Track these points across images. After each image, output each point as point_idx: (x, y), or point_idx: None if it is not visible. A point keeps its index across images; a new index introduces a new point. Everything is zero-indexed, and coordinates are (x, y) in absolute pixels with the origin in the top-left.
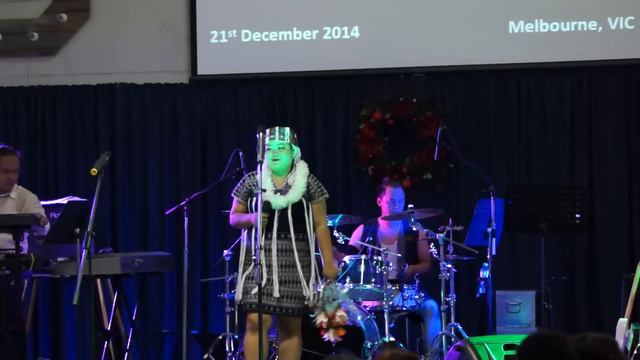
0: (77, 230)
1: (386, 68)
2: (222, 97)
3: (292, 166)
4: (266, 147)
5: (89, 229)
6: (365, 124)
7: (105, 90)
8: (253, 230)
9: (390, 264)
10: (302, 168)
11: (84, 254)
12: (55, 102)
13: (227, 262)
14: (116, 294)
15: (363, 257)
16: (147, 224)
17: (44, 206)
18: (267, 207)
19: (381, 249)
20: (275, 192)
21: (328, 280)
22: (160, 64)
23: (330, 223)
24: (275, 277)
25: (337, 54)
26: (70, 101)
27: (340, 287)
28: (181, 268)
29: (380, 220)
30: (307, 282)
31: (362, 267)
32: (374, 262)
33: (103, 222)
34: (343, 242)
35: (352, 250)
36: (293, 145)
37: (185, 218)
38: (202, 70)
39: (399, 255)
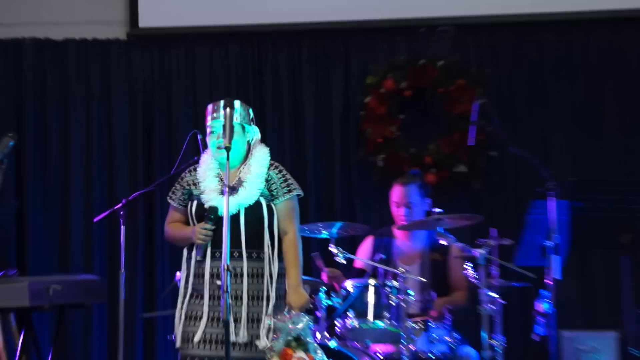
0: None
1: (401, 19)
2: (173, 59)
3: (248, 154)
4: (208, 129)
5: None
6: (373, 96)
7: (8, 47)
8: (194, 249)
9: (411, 293)
10: (259, 156)
11: None
12: None
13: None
14: (22, 334)
15: (372, 282)
16: (68, 235)
17: None
18: (213, 213)
19: (398, 271)
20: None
21: (292, 312)
22: (87, 13)
23: (325, 234)
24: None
25: (332, 0)
26: None
27: (301, 319)
28: (116, 298)
29: (395, 231)
30: (253, 320)
31: (372, 297)
32: (388, 289)
33: (5, 234)
34: (344, 261)
35: (357, 272)
36: (247, 126)
37: (122, 227)
38: (145, 21)
39: (423, 279)
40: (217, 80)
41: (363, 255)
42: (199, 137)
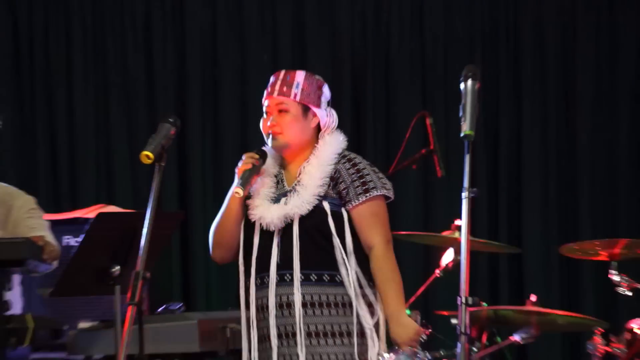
0: None
1: None
2: None
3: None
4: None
5: None
6: None
7: None
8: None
9: None
10: (325, 147)
11: None
12: None
13: None
14: None
15: None
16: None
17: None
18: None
19: None
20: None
21: (399, 351)
22: None
23: None
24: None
25: None
26: None
27: (417, 356)
28: None
29: None
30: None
31: None
32: None
33: (167, 256)
34: (629, 293)
35: None
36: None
37: None
38: None
39: None
40: None
41: None
42: (429, 120)
